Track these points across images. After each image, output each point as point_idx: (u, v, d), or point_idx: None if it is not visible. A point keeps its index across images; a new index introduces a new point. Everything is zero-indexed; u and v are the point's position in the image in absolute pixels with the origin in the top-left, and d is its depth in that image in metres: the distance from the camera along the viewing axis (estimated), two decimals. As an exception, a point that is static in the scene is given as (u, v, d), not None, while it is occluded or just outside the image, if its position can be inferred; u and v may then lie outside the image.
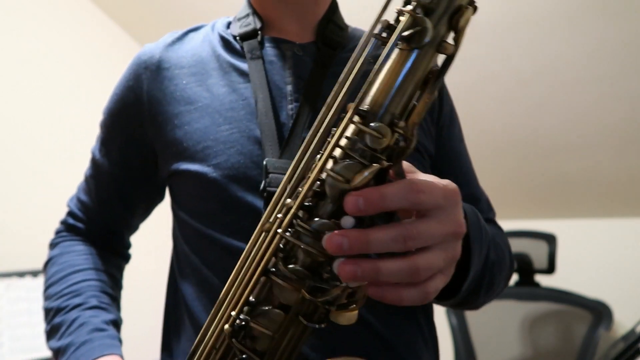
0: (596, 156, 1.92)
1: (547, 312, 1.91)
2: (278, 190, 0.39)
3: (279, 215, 0.38)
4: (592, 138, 1.89)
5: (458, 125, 0.74)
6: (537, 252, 1.94)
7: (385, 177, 0.37)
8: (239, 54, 0.64)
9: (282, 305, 0.38)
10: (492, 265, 0.58)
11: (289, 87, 0.61)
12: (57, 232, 0.77)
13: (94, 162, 0.73)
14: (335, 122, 0.38)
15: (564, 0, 1.60)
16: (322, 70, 0.62)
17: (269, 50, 0.64)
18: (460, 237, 0.40)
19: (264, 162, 0.56)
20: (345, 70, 0.38)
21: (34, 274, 1.71)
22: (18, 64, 1.94)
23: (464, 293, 0.54)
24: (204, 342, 0.43)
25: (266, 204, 0.55)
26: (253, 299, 0.39)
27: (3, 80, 1.89)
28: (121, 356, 0.62)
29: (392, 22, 0.36)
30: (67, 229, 0.76)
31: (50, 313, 0.67)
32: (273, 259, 0.38)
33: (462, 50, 0.37)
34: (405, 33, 0.34)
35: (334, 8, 0.68)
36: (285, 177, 0.39)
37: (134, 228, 0.79)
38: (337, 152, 0.36)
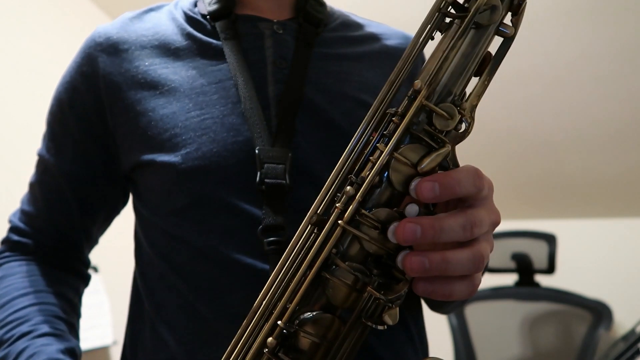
0: (596, 156, 1.93)
1: (547, 312, 1.91)
2: (330, 177, 0.36)
3: (338, 205, 0.34)
4: (592, 138, 1.89)
5: None
6: (537, 252, 1.94)
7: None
8: (210, 34, 0.58)
9: (333, 308, 0.35)
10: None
11: (270, 68, 0.56)
12: None
13: (42, 164, 0.63)
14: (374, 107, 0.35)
15: (562, 0, 1.61)
16: (306, 49, 0.58)
17: (245, 29, 0.58)
18: (495, 228, 0.39)
19: (256, 151, 0.51)
20: (410, 46, 0.35)
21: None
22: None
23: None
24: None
25: (267, 198, 0.51)
26: (300, 305, 0.35)
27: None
28: None
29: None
30: (11, 248, 0.63)
31: None
32: (328, 256, 0.35)
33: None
34: (480, 10, 0.33)
35: None
36: (339, 162, 0.36)
37: (93, 240, 0.68)
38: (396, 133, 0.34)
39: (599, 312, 1.82)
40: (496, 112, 1.94)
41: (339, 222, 0.34)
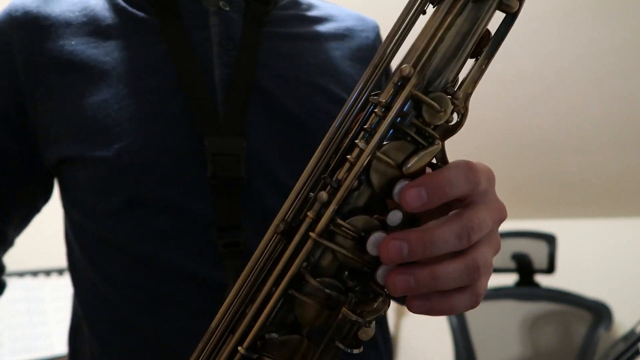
0: (596, 156, 1.92)
1: (547, 312, 1.91)
2: (301, 178, 0.31)
3: (309, 213, 0.29)
4: (592, 138, 1.89)
5: None
6: (537, 252, 1.93)
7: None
8: (147, 10, 0.51)
9: (304, 330, 0.31)
10: None
11: (216, 49, 0.50)
12: None
13: None
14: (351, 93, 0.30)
15: (562, 1, 1.60)
16: (255, 28, 0.52)
17: (187, 5, 0.51)
18: (501, 223, 0.34)
19: (206, 143, 0.45)
20: (397, 22, 0.30)
21: (34, 273, 1.64)
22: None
23: None
24: None
25: (221, 195, 0.45)
26: (265, 327, 0.30)
27: None
28: None
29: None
30: None
31: None
32: (298, 271, 0.30)
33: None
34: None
35: None
36: (312, 160, 0.31)
37: (8, 243, 0.60)
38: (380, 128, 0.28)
39: (599, 312, 1.82)
40: (496, 112, 1.93)
41: (310, 233, 0.28)
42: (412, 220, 0.30)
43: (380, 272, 0.29)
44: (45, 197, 0.59)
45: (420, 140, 0.29)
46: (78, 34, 0.50)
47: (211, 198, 0.45)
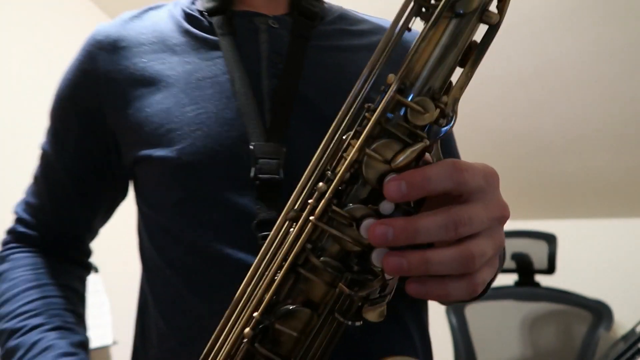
0: (596, 156, 1.93)
1: (547, 312, 1.91)
2: (305, 173, 0.36)
3: (310, 201, 0.34)
4: (592, 138, 1.89)
5: None
6: (537, 252, 1.94)
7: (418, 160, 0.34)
8: (207, 30, 0.59)
9: (310, 302, 0.35)
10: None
11: (265, 63, 0.57)
12: (5, 244, 0.67)
13: (45, 158, 0.65)
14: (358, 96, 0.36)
15: (563, 0, 1.61)
16: (301, 43, 0.58)
17: (241, 24, 0.59)
18: (504, 222, 0.37)
19: (251, 147, 0.51)
20: (384, 38, 0.35)
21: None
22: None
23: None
24: (217, 348, 0.39)
25: (262, 193, 0.51)
26: (276, 297, 0.36)
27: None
28: None
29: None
30: (17, 239, 0.66)
31: (2, 336, 0.58)
32: (302, 251, 0.35)
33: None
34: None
35: None
36: (314, 158, 0.36)
37: (94, 232, 0.71)
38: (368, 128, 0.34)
39: (599, 312, 1.82)
40: (496, 113, 1.94)
41: (311, 218, 0.34)
42: (408, 212, 0.34)
43: (373, 255, 0.33)
44: (123, 194, 0.69)
45: (408, 139, 0.33)
46: (149, 52, 0.59)
47: (254, 196, 0.51)
